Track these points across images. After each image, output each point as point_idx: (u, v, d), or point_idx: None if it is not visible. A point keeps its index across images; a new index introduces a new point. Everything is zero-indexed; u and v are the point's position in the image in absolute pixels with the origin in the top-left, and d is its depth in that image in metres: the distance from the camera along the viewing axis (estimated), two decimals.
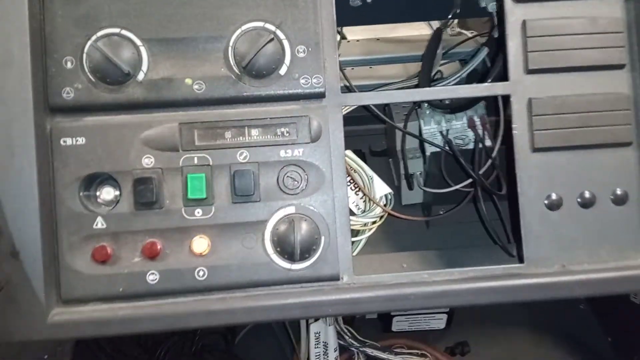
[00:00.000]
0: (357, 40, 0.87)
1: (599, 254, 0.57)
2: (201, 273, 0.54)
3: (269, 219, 0.54)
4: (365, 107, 0.60)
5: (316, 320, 0.89)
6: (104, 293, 0.53)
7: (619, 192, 0.57)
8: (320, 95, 0.56)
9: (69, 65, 0.53)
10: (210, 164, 0.54)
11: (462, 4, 0.70)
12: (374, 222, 0.65)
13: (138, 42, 0.54)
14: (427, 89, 0.60)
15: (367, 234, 0.65)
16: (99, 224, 0.53)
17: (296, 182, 0.55)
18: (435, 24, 0.83)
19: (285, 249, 0.53)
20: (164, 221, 0.54)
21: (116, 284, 0.53)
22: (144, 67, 0.54)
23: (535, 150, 0.57)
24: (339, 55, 0.57)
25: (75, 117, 0.54)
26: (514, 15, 0.57)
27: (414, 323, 1.00)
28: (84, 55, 0.53)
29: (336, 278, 0.55)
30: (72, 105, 0.53)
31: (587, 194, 0.57)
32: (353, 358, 0.95)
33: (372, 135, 0.86)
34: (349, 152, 0.62)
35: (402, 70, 0.84)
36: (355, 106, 0.59)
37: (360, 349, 0.94)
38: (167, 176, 0.54)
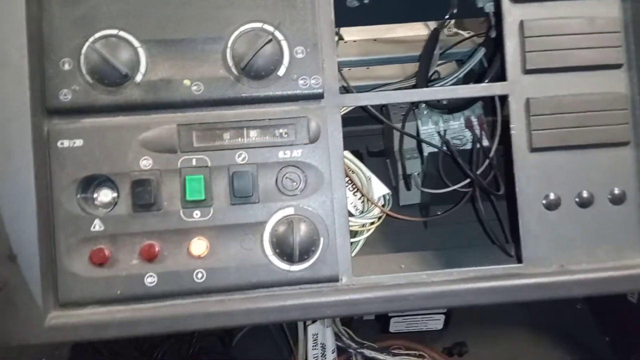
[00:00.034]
0: (354, 41, 0.87)
1: (597, 253, 0.57)
2: (200, 275, 0.54)
3: (267, 221, 0.54)
4: (363, 108, 0.60)
5: (314, 321, 0.89)
6: (101, 296, 0.53)
7: (616, 191, 0.57)
8: (318, 96, 0.56)
9: (66, 66, 0.53)
10: (209, 165, 0.54)
11: (459, 4, 0.70)
12: (372, 223, 0.65)
13: (136, 43, 0.54)
14: (425, 89, 0.60)
15: (366, 235, 0.65)
16: (97, 226, 0.53)
17: (295, 183, 0.55)
18: (432, 24, 0.84)
19: (284, 250, 0.53)
20: (162, 223, 0.54)
21: (114, 287, 0.53)
22: (142, 68, 0.54)
23: (533, 150, 0.57)
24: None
25: (73, 119, 0.54)
26: (512, 15, 0.58)
27: (412, 324, 1.00)
28: (82, 57, 0.53)
29: (335, 279, 0.55)
30: (70, 107, 0.53)
31: (585, 194, 0.57)
32: (351, 359, 0.95)
33: (369, 135, 0.86)
34: (347, 153, 0.62)
35: (400, 70, 0.84)
36: (353, 107, 0.59)
37: (358, 350, 0.94)
38: (165, 178, 0.54)
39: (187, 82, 0.54)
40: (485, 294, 0.56)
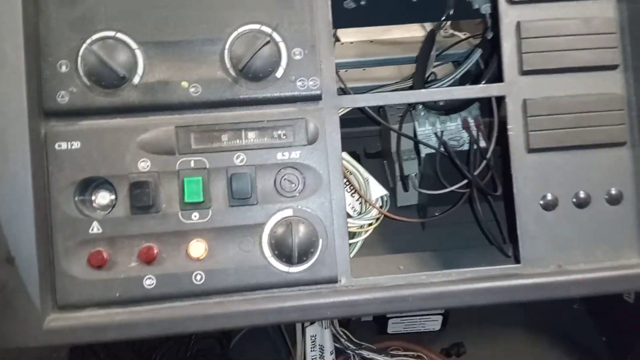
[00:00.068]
0: (351, 43, 0.87)
1: (594, 253, 0.57)
2: (198, 277, 0.53)
3: (266, 222, 0.54)
4: (361, 109, 0.61)
5: (312, 323, 0.89)
6: (100, 298, 0.53)
7: (613, 191, 0.58)
8: (316, 98, 0.56)
9: (63, 68, 0.53)
10: (207, 167, 0.54)
11: (455, 5, 0.70)
12: (370, 224, 0.65)
13: (133, 45, 0.54)
14: (423, 90, 0.61)
15: (364, 236, 0.65)
16: (95, 228, 0.53)
17: (293, 185, 0.55)
18: (429, 25, 0.84)
19: (283, 252, 0.53)
20: (160, 225, 0.53)
21: (112, 289, 0.53)
22: (140, 70, 0.54)
23: (531, 150, 0.57)
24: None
25: (70, 121, 0.54)
26: (509, 16, 0.58)
27: (410, 325, 1.00)
28: (79, 59, 0.53)
29: (334, 280, 0.55)
30: (67, 109, 0.53)
31: (582, 194, 0.57)
32: None
33: (366, 137, 0.86)
34: (345, 155, 0.62)
35: (396, 72, 0.84)
36: (350, 108, 0.59)
37: (356, 351, 0.94)
38: (163, 180, 0.54)
39: (185, 83, 0.54)
40: (483, 294, 0.56)
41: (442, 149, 0.68)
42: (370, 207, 0.65)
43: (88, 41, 0.53)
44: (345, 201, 0.57)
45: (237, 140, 0.55)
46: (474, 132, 0.68)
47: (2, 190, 0.51)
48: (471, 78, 0.73)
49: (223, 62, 0.54)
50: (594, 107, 0.57)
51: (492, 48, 0.66)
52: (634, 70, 0.58)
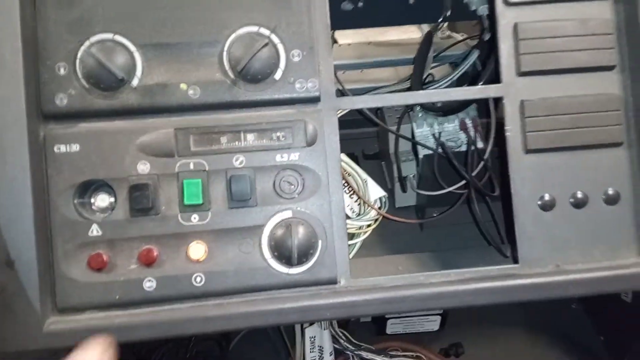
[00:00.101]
0: (349, 44, 0.87)
1: (592, 253, 0.58)
2: (198, 279, 0.53)
3: (265, 224, 0.54)
4: (359, 111, 0.61)
5: (311, 324, 0.89)
6: (100, 301, 0.53)
7: (610, 192, 0.58)
8: (315, 100, 0.56)
9: (62, 71, 0.53)
10: (207, 169, 0.54)
11: (452, 7, 0.70)
12: (369, 225, 0.65)
13: (132, 47, 0.54)
14: (421, 92, 0.61)
15: (363, 237, 0.65)
16: (94, 231, 0.53)
17: (292, 187, 0.55)
18: (426, 27, 0.84)
19: (282, 253, 0.53)
20: (160, 227, 0.53)
21: (112, 292, 0.53)
22: (138, 72, 0.54)
23: (528, 151, 0.57)
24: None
25: (69, 123, 0.53)
26: (506, 18, 0.58)
27: (408, 325, 1.01)
28: (77, 61, 0.53)
29: (334, 281, 0.55)
30: (66, 111, 0.53)
31: (579, 194, 0.58)
32: None
33: (364, 138, 0.86)
34: (343, 156, 0.63)
35: (393, 73, 0.85)
36: (348, 110, 0.59)
37: (356, 352, 0.94)
38: (162, 182, 0.54)
39: (183, 86, 0.54)
40: (482, 294, 0.56)
41: (440, 150, 0.69)
42: (369, 208, 0.65)
43: (86, 44, 0.53)
44: (344, 202, 0.57)
45: (236, 142, 0.55)
46: (472, 133, 0.69)
47: (1, 193, 0.51)
48: (468, 79, 0.74)
49: (222, 64, 0.54)
50: (591, 108, 0.57)
51: (489, 49, 0.67)
52: (630, 71, 0.58)
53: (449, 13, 0.70)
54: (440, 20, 0.73)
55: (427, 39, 0.76)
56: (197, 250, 0.53)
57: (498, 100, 0.59)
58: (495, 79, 0.59)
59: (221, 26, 0.55)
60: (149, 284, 0.53)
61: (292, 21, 0.55)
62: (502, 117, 0.58)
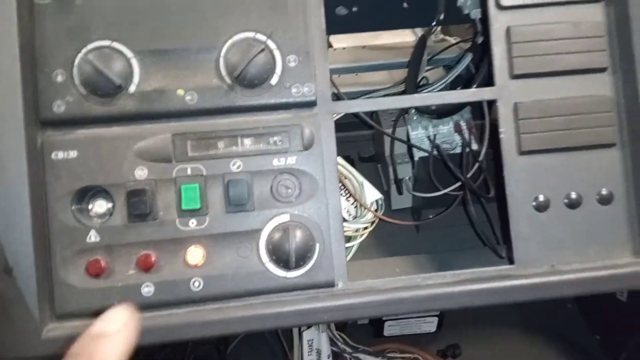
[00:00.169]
0: (344, 48, 0.88)
1: (586, 253, 0.58)
2: (196, 284, 0.54)
3: (263, 228, 0.55)
4: (355, 114, 0.61)
5: (309, 327, 0.89)
6: (98, 307, 0.52)
7: (604, 192, 0.58)
8: (311, 104, 0.56)
9: (59, 78, 0.53)
10: (204, 174, 0.54)
11: (445, 11, 0.71)
12: (365, 228, 0.66)
13: (129, 54, 0.54)
14: (416, 95, 0.61)
15: (360, 240, 0.65)
16: (92, 237, 0.53)
17: (290, 190, 0.55)
18: (420, 31, 0.85)
19: (280, 257, 0.53)
20: (158, 233, 0.54)
21: (111, 298, 0.53)
22: (136, 79, 0.54)
23: (522, 153, 0.58)
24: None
25: (67, 130, 0.54)
26: (499, 21, 0.59)
27: (406, 327, 1.01)
28: (75, 68, 0.53)
29: (331, 284, 0.55)
30: (64, 118, 0.53)
31: (573, 195, 0.58)
32: None
33: (359, 141, 0.87)
34: (340, 159, 0.63)
35: (388, 76, 0.85)
36: (344, 113, 0.60)
37: (353, 354, 0.94)
38: (160, 187, 0.54)
39: (180, 91, 0.54)
40: (478, 295, 0.56)
41: (435, 152, 0.69)
42: (366, 210, 0.66)
43: (83, 51, 0.53)
44: (341, 205, 0.57)
45: (234, 147, 0.55)
46: (466, 135, 0.69)
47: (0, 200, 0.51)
48: (462, 82, 0.74)
49: (218, 69, 0.55)
50: (583, 109, 0.58)
51: (482, 52, 0.67)
52: (622, 73, 0.59)
53: (442, 17, 0.71)
54: (433, 24, 0.73)
55: (421, 43, 0.76)
56: (195, 255, 0.54)
57: (492, 103, 0.60)
58: (488, 81, 0.60)
59: (218, 32, 0.55)
60: (147, 289, 0.53)
61: (288, 27, 0.56)
62: (496, 119, 0.59)
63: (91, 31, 0.54)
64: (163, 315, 0.53)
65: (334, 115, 0.57)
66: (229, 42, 0.55)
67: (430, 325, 1.01)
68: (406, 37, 0.89)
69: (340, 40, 0.89)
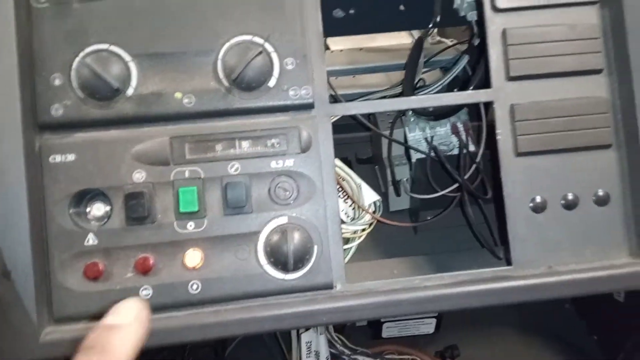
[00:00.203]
0: (341, 51, 0.88)
1: (583, 254, 0.58)
2: (195, 286, 0.54)
3: (261, 230, 0.55)
4: (352, 116, 0.61)
5: (307, 329, 0.89)
6: (96, 310, 0.52)
7: (600, 193, 0.59)
8: (309, 106, 0.56)
9: (57, 82, 0.53)
10: (202, 177, 0.54)
11: (441, 13, 0.71)
12: (363, 230, 0.66)
13: (127, 57, 0.54)
14: (413, 97, 0.62)
15: (358, 242, 0.66)
16: (90, 240, 0.53)
17: (288, 193, 0.55)
18: (416, 33, 0.85)
19: (278, 259, 0.54)
20: (156, 235, 0.54)
21: (109, 301, 0.52)
22: (134, 82, 0.54)
23: (519, 154, 0.58)
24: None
25: (65, 133, 0.54)
26: (494, 24, 0.59)
27: (404, 329, 1.01)
28: (72, 72, 0.53)
29: (330, 286, 0.55)
30: (62, 121, 0.53)
31: (570, 196, 0.58)
32: None
33: (357, 143, 0.87)
34: (337, 161, 0.63)
35: (385, 78, 0.86)
36: (341, 115, 0.60)
37: (352, 356, 0.94)
38: (158, 190, 0.54)
39: (178, 94, 0.54)
40: (476, 296, 0.56)
41: (432, 154, 0.69)
42: (364, 212, 0.66)
43: (81, 54, 0.53)
44: (339, 207, 0.57)
45: (231, 150, 0.55)
46: (463, 137, 0.69)
47: None
48: (459, 83, 0.75)
49: (216, 72, 0.55)
50: (580, 111, 0.58)
51: (478, 54, 0.68)
52: (618, 74, 0.59)
53: (438, 19, 0.71)
54: (430, 26, 0.74)
55: (418, 45, 0.76)
56: (193, 257, 0.54)
57: (488, 105, 0.60)
58: (485, 83, 0.60)
59: (215, 35, 0.55)
60: (145, 293, 0.53)
61: (285, 30, 0.56)
62: (493, 121, 0.59)
63: (89, 35, 0.54)
64: (161, 318, 0.53)
65: (332, 118, 0.57)
66: (227, 45, 0.55)
67: (428, 326, 1.01)
68: (403, 39, 0.89)
69: (337, 43, 0.89)
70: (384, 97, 0.76)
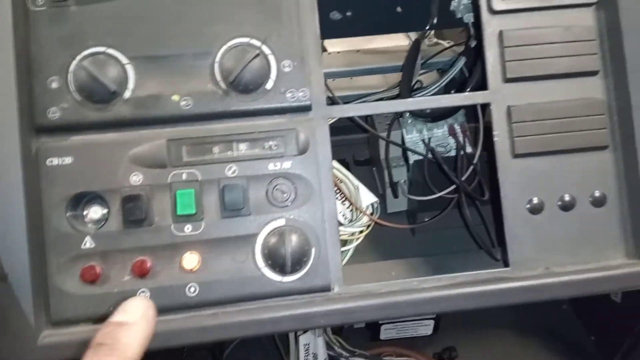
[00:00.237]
0: (338, 52, 0.88)
1: (580, 255, 0.58)
2: (192, 289, 0.54)
3: (259, 233, 0.55)
4: (349, 118, 0.61)
5: (305, 331, 0.89)
6: (94, 313, 0.52)
7: (597, 194, 0.59)
8: (306, 109, 0.56)
9: (54, 85, 0.53)
10: (199, 179, 0.54)
11: (438, 15, 0.72)
12: (361, 232, 0.66)
13: (124, 60, 0.54)
14: (410, 99, 0.62)
15: (355, 244, 0.65)
16: (87, 243, 0.53)
17: (285, 195, 0.55)
18: (413, 35, 0.85)
19: (276, 261, 0.53)
20: (153, 238, 0.53)
21: (106, 304, 0.52)
22: (131, 85, 0.54)
23: (516, 156, 0.58)
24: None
25: (62, 136, 0.54)
26: (491, 26, 0.59)
27: (402, 330, 1.01)
28: (70, 75, 0.53)
29: (327, 289, 0.55)
30: (59, 124, 0.53)
31: (567, 197, 0.59)
32: None
33: (354, 144, 0.87)
34: (335, 163, 0.63)
35: (382, 80, 0.86)
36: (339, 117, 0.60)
37: (350, 358, 0.94)
38: (155, 193, 0.54)
39: (175, 97, 0.54)
40: (474, 298, 0.57)
41: (429, 156, 0.70)
42: (361, 214, 0.66)
43: (78, 57, 0.53)
44: (337, 209, 0.57)
45: (229, 152, 0.55)
46: (461, 139, 0.69)
47: None
48: (456, 85, 0.75)
49: (213, 75, 0.55)
50: (576, 113, 0.59)
51: (475, 56, 0.68)
52: (613, 76, 0.59)
53: (435, 21, 0.71)
54: (427, 28, 0.74)
55: (415, 47, 0.77)
56: (190, 260, 0.54)
57: (485, 106, 0.60)
58: (482, 85, 0.60)
59: (212, 38, 0.55)
60: (143, 295, 0.53)
61: (282, 32, 0.56)
62: (490, 123, 0.59)
63: (86, 38, 0.54)
64: (159, 321, 0.52)
65: (329, 120, 0.57)
66: (224, 47, 0.55)
67: (426, 328, 1.01)
68: (400, 41, 0.90)
69: (335, 45, 0.89)
70: (381, 99, 0.76)
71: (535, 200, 0.58)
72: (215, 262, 0.54)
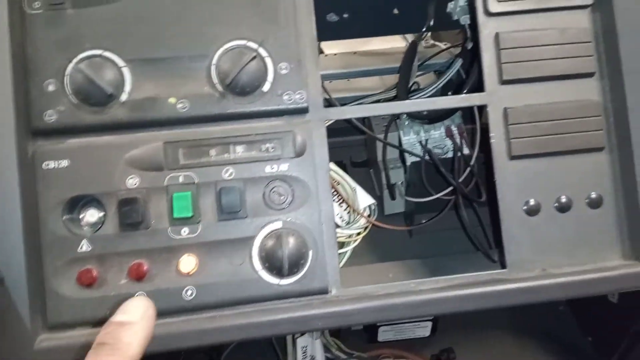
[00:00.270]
0: (335, 54, 0.88)
1: (577, 256, 0.59)
2: (189, 292, 0.53)
3: (256, 235, 0.54)
4: (347, 120, 0.61)
5: (302, 334, 0.89)
6: (90, 317, 0.52)
7: (593, 195, 0.59)
8: (303, 111, 0.56)
9: (51, 87, 0.53)
10: (196, 182, 0.54)
11: (435, 17, 0.72)
12: (358, 234, 0.66)
13: (120, 63, 0.54)
14: (408, 101, 0.62)
15: (353, 246, 0.65)
16: (84, 246, 0.53)
17: (282, 197, 0.55)
18: (410, 36, 0.86)
19: (273, 264, 0.53)
20: (150, 241, 0.53)
21: (103, 307, 0.52)
22: (127, 87, 0.54)
23: (513, 157, 0.59)
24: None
25: (58, 139, 0.53)
26: (487, 28, 0.59)
27: (400, 332, 1.01)
28: (66, 78, 0.53)
29: (325, 291, 0.55)
30: (55, 127, 0.53)
31: (563, 199, 0.59)
32: None
33: (352, 146, 0.87)
34: (332, 165, 0.63)
35: (379, 82, 0.86)
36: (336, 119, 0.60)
37: None
38: (152, 196, 0.54)
39: (172, 100, 0.54)
40: (471, 300, 0.57)
41: (427, 157, 0.70)
42: (359, 216, 0.66)
43: (75, 60, 0.53)
44: (334, 211, 0.57)
45: (226, 155, 0.55)
46: (458, 140, 0.70)
47: None
48: (453, 86, 0.75)
49: (210, 77, 0.55)
50: (572, 114, 0.59)
51: (472, 57, 0.68)
52: (609, 78, 0.60)
53: (432, 23, 0.72)
54: (424, 29, 0.74)
55: (412, 48, 0.77)
56: (187, 263, 0.53)
57: (482, 108, 0.60)
58: (478, 87, 0.61)
59: (209, 40, 0.55)
60: (142, 295, 0.53)
61: (279, 35, 0.56)
62: (486, 124, 0.60)
63: (83, 40, 0.54)
64: (156, 325, 0.52)
65: (326, 122, 0.57)
66: (221, 50, 0.55)
67: (424, 329, 1.01)
68: (397, 42, 0.90)
69: (331, 47, 0.89)
70: (379, 101, 0.76)
71: (532, 202, 0.58)
72: (212, 265, 0.54)
